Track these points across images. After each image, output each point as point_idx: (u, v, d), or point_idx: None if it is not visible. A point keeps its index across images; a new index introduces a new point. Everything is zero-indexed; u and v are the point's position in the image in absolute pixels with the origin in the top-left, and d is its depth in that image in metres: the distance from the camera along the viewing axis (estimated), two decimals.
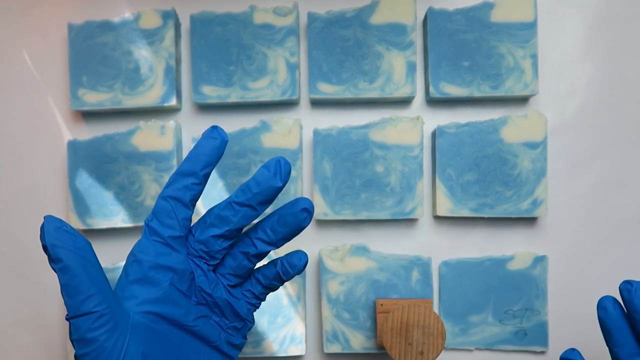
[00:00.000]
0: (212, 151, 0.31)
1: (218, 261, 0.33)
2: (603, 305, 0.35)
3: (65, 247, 0.28)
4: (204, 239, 0.32)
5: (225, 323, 0.33)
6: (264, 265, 0.35)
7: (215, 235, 0.32)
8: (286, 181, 0.31)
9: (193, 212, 0.32)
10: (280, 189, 0.31)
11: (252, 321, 0.35)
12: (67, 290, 0.27)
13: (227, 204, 0.32)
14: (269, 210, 0.44)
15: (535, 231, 0.49)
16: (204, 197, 0.47)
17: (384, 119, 0.47)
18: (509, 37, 0.47)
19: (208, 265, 0.32)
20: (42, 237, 0.28)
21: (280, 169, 0.31)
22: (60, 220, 0.28)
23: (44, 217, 0.28)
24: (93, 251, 0.29)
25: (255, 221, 0.33)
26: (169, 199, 0.31)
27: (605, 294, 0.35)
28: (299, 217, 0.32)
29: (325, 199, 0.47)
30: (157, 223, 0.31)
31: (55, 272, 0.28)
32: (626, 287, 0.34)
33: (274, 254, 0.47)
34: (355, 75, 0.47)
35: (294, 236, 0.33)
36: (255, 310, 0.35)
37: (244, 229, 0.33)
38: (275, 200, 0.47)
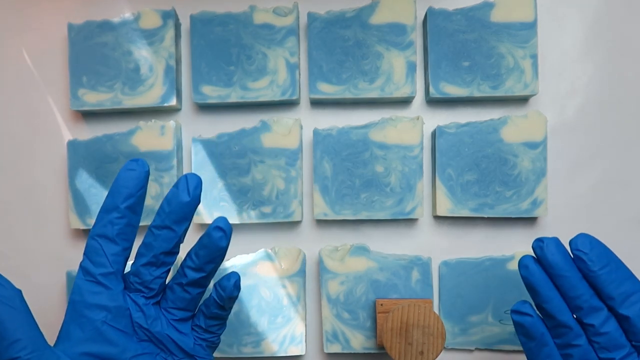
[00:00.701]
0: (131, 183, 0.31)
1: (155, 292, 0.33)
2: (524, 264, 0.34)
3: None
4: (134, 270, 0.32)
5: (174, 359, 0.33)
6: (206, 296, 0.35)
7: (144, 264, 0.32)
8: (195, 195, 0.31)
9: (128, 247, 0.32)
10: (190, 204, 0.31)
11: (206, 356, 0.34)
12: None
13: (149, 231, 0.32)
14: None
15: (535, 231, 0.49)
16: (204, 198, 0.47)
17: (384, 119, 0.47)
18: (509, 37, 0.47)
19: (147, 298, 0.32)
20: None
21: (187, 184, 0.31)
22: None
23: None
24: (22, 298, 0.29)
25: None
26: (96, 237, 0.31)
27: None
28: (214, 237, 0.32)
29: (325, 199, 0.47)
30: (88, 262, 0.31)
31: None
32: (538, 244, 0.34)
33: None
34: (355, 75, 0.47)
35: (218, 259, 0.33)
36: (211, 345, 0.35)
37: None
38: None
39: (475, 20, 0.47)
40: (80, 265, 0.31)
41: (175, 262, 0.35)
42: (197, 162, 0.47)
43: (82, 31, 0.48)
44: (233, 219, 0.47)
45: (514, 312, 0.35)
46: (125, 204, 0.31)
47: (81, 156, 0.48)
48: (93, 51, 0.48)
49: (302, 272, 0.47)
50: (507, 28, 0.47)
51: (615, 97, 0.49)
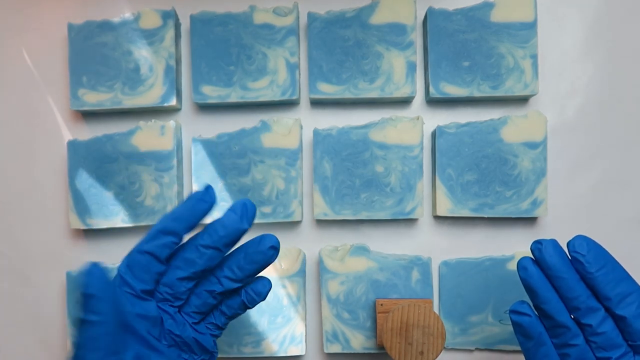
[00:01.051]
0: (199, 214, 0.32)
1: (183, 302, 0.33)
2: (523, 266, 0.35)
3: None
4: (169, 281, 0.33)
5: (194, 359, 0.34)
6: (225, 296, 0.35)
7: (182, 278, 0.32)
8: (252, 223, 0.32)
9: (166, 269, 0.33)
10: (245, 231, 0.32)
11: (217, 351, 0.36)
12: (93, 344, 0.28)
13: (193, 246, 0.32)
14: None
15: (535, 231, 0.49)
16: None
17: (384, 119, 0.47)
18: (509, 37, 0.47)
19: (173, 307, 0.33)
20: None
21: (247, 212, 0.32)
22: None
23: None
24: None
25: None
26: (145, 253, 0.31)
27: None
28: (267, 254, 0.33)
29: (325, 199, 0.47)
30: (131, 275, 0.32)
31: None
32: (536, 246, 0.34)
33: None
34: (355, 75, 0.47)
35: (260, 272, 0.34)
36: (217, 339, 0.37)
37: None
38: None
39: (475, 20, 0.47)
40: (121, 275, 0.32)
41: None
42: (197, 162, 0.47)
43: (82, 31, 0.48)
44: None
45: (512, 312, 0.35)
46: (185, 232, 0.32)
47: (81, 156, 0.48)
48: (93, 51, 0.48)
49: (302, 272, 0.47)
50: (507, 28, 0.47)
51: (615, 97, 0.49)
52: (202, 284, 0.34)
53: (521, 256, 0.47)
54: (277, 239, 0.33)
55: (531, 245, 0.35)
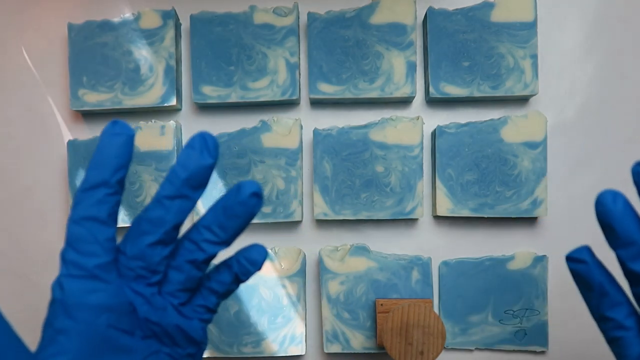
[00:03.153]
0: (120, 151, 0.25)
1: (161, 275, 0.27)
2: (600, 201, 0.29)
3: None
4: (137, 252, 0.26)
5: (179, 353, 0.28)
6: (212, 270, 0.29)
7: (152, 244, 0.26)
8: (216, 156, 0.26)
9: (116, 229, 0.26)
10: (211, 167, 0.26)
11: (207, 342, 0.30)
12: None
13: (155, 202, 0.26)
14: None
15: (535, 231, 0.49)
16: (204, 198, 0.47)
17: (384, 119, 0.47)
18: (509, 37, 0.47)
19: (151, 286, 0.27)
20: None
21: (207, 144, 0.26)
22: None
23: None
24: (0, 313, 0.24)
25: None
26: (82, 220, 0.25)
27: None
28: (249, 204, 0.27)
29: (325, 199, 0.47)
30: (75, 253, 0.25)
31: None
32: (638, 169, 0.28)
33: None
34: (355, 75, 0.47)
35: (245, 228, 0.28)
36: (207, 326, 0.30)
37: (182, 233, 0.28)
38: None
39: (475, 20, 0.47)
40: (64, 258, 0.25)
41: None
42: None
43: (82, 31, 0.48)
44: None
45: (568, 259, 0.30)
46: (116, 177, 0.25)
47: (81, 156, 0.48)
48: (93, 51, 0.48)
49: (302, 272, 0.47)
50: (507, 28, 0.47)
51: (615, 97, 0.49)
52: (179, 254, 0.27)
53: (522, 257, 0.47)
54: (258, 184, 0.27)
55: (633, 167, 0.29)
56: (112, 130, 0.25)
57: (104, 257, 0.25)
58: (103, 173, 0.25)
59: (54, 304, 0.25)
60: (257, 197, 0.27)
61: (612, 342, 0.29)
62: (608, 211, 0.28)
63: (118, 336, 0.25)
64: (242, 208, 0.27)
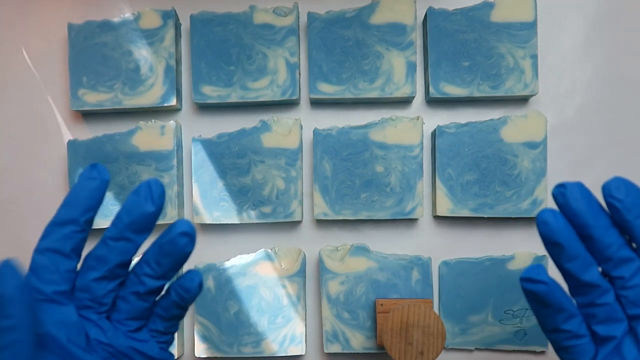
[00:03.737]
0: (92, 194, 0.28)
1: (108, 306, 0.29)
2: (543, 221, 0.29)
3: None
4: (84, 285, 0.28)
5: None
6: (161, 296, 0.31)
7: (96, 279, 0.28)
8: (160, 204, 0.28)
9: (78, 262, 0.29)
10: (154, 214, 0.28)
11: (170, 357, 0.32)
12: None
13: (101, 242, 0.29)
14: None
15: (535, 231, 0.49)
16: (204, 198, 0.47)
17: (384, 119, 0.47)
18: (509, 37, 0.47)
19: (98, 314, 0.29)
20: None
21: (151, 192, 0.28)
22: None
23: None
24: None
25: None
26: (46, 251, 0.28)
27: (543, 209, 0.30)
28: (179, 243, 0.28)
29: (325, 199, 0.47)
30: (37, 280, 0.27)
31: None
32: (559, 190, 0.29)
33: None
34: (355, 75, 0.47)
35: (182, 264, 0.29)
36: (169, 346, 0.32)
37: (132, 265, 0.30)
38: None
39: (475, 20, 0.47)
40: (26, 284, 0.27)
41: None
42: (197, 162, 0.47)
43: (82, 31, 0.48)
44: (233, 219, 0.47)
45: (524, 280, 0.30)
46: (84, 217, 0.28)
47: (81, 156, 0.48)
48: (93, 51, 0.48)
49: (302, 272, 0.47)
50: (507, 28, 0.47)
51: (615, 97, 0.49)
52: (126, 285, 0.30)
53: (522, 257, 0.47)
54: (189, 223, 0.28)
55: (553, 190, 0.30)
56: (89, 174, 0.28)
57: (62, 285, 0.28)
58: (73, 212, 0.28)
59: (22, 325, 0.26)
60: (187, 235, 0.28)
61: (565, 350, 0.30)
62: (553, 229, 0.29)
63: (79, 353, 0.27)
64: (172, 247, 0.28)
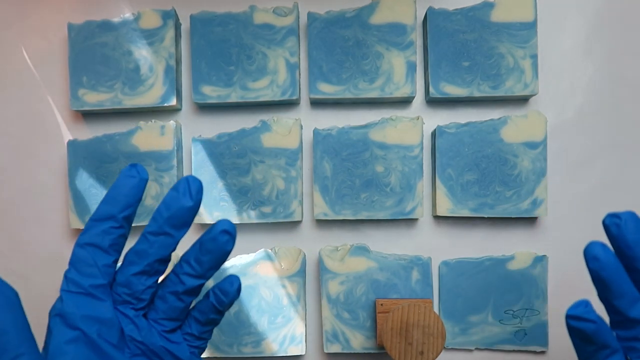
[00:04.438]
0: (131, 191, 0.29)
1: (146, 303, 0.30)
2: (594, 256, 0.29)
3: None
4: (124, 280, 0.29)
5: None
6: (199, 300, 0.32)
7: (136, 273, 0.29)
8: (198, 199, 0.29)
9: (118, 258, 0.30)
10: (193, 209, 0.29)
11: None
12: None
13: (142, 236, 0.29)
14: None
15: (535, 231, 0.49)
16: (204, 198, 0.47)
17: (384, 119, 0.47)
18: (509, 37, 0.47)
19: (136, 310, 0.30)
20: None
21: (189, 187, 0.29)
22: None
23: None
24: (19, 302, 0.27)
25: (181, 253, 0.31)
26: (86, 246, 0.28)
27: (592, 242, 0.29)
28: (220, 240, 0.29)
29: (325, 199, 0.47)
30: (75, 273, 0.28)
31: None
32: (613, 221, 0.29)
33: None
34: (355, 75, 0.47)
35: (222, 263, 0.30)
36: (202, 353, 0.33)
37: (173, 265, 0.31)
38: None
39: (475, 20, 0.47)
40: (66, 276, 0.29)
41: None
42: (197, 162, 0.47)
43: (82, 31, 0.48)
44: (233, 219, 0.47)
45: (571, 317, 0.30)
46: (123, 213, 0.29)
47: (81, 156, 0.48)
48: (93, 51, 0.48)
49: (302, 272, 0.47)
50: (507, 28, 0.47)
51: (615, 97, 0.49)
52: (165, 285, 0.30)
53: (522, 257, 0.47)
54: (230, 223, 0.29)
55: (606, 220, 0.30)
56: (129, 172, 0.29)
57: (100, 279, 0.28)
58: (112, 208, 0.29)
59: (53, 313, 0.28)
60: (228, 234, 0.29)
61: None
62: (604, 266, 0.29)
63: (108, 348, 0.28)
64: (213, 244, 0.29)
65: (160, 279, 0.31)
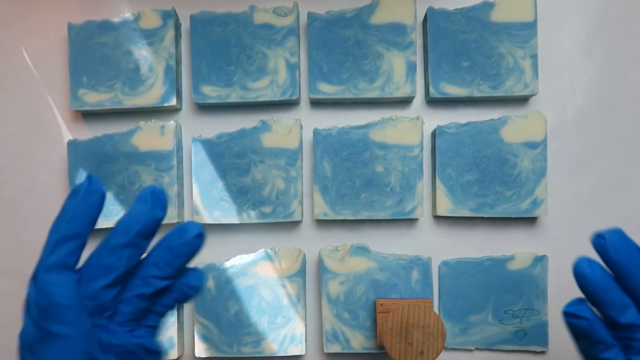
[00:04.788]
0: (93, 208, 0.29)
1: (112, 311, 0.30)
2: (580, 274, 0.31)
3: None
4: (90, 293, 0.29)
5: None
6: (158, 294, 0.32)
7: (104, 286, 0.29)
8: (165, 210, 0.29)
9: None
10: (162, 219, 0.29)
11: (162, 349, 0.33)
12: None
13: (107, 249, 0.29)
14: None
15: (535, 231, 0.49)
16: (204, 198, 0.47)
17: (384, 119, 0.47)
18: (509, 37, 0.47)
19: (105, 318, 0.30)
20: None
21: (158, 198, 0.29)
22: None
23: None
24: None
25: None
26: (57, 268, 0.28)
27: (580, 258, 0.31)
28: (194, 244, 0.29)
29: (325, 199, 0.47)
30: (50, 296, 0.28)
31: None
32: (598, 242, 0.31)
33: None
34: (355, 75, 0.47)
35: (188, 263, 0.31)
36: (157, 332, 0.33)
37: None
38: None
39: (475, 20, 0.47)
40: (30, 304, 0.28)
41: None
42: (197, 162, 0.47)
43: (82, 31, 0.48)
44: (233, 219, 0.47)
45: (567, 314, 0.32)
46: (88, 231, 0.29)
47: (81, 156, 0.48)
48: (93, 51, 0.48)
49: (302, 272, 0.47)
50: (507, 28, 0.47)
51: (615, 97, 0.49)
52: (128, 289, 0.30)
53: (522, 257, 0.47)
54: (200, 225, 0.29)
55: (593, 240, 0.32)
56: (89, 188, 0.29)
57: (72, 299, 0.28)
58: (77, 227, 0.29)
59: (25, 342, 0.29)
60: (201, 237, 0.29)
61: None
62: (590, 282, 0.31)
63: (99, 356, 0.28)
64: (187, 248, 0.29)
65: None
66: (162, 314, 0.32)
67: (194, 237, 0.29)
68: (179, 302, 0.32)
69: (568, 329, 0.33)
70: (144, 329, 0.31)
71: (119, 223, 0.29)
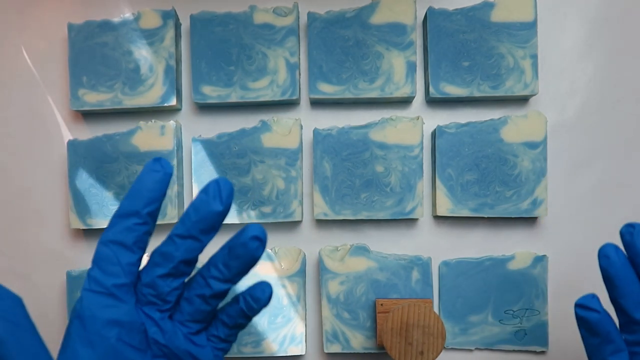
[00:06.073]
0: (155, 186, 0.28)
1: (171, 305, 0.29)
2: (605, 254, 0.32)
3: None
4: (149, 281, 0.29)
5: None
6: (227, 303, 0.32)
7: (161, 275, 0.28)
8: (228, 203, 0.28)
9: (142, 256, 0.29)
10: (222, 214, 0.28)
11: None
12: None
13: (168, 238, 0.29)
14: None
15: (535, 231, 0.49)
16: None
17: (384, 119, 0.47)
18: (509, 37, 0.47)
19: (161, 312, 0.29)
20: None
21: (220, 191, 0.27)
22: None
23: None
24: (24, 308, 0.25)
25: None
26: (109, 243, 0.28)
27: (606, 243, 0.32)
28: (250, 247, 0.28)
29: (325, 199, 0.47)
30: (98, 271, 0.28)
31: None
32: (628, 230, 0.32)
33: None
34: (355, 75, 0.47)
35: (250, 268, 0.30)
36: (226, 354, 0.32)
37: (199, 267, 0.30)
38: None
39: (475, 20, 0.47)
40: (88, 274, 0.28)
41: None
42: (197, 162, 0.47)
43: (82, 31, 0.48)
44: (233, 219, 0.47)
45: (578, 306, 0.32)
46: (147, 209, 0.28)
47: (81, 156, 0.48)
48: (93, 51, 0.48)
49: (302, 272, 0.47)
50: (507, 28, 0.47)
51: (615, 97, 0.49)
52: (191, 288, 0.30)
53: (522, 257, 0.47)
54: (262, 228, 0.28)
55: (622, 229, 0.32)
56: (152, 167, 0.28)
57: (123, 278, 0.28)
58: (136, 204, 0.28)
59: (73, 314, 0.28)
60: (258, 240, 0.28)
61: None
62: (613, 263, 0.32)
63: (127, 351, 0.27)
64: (243, 249, 0.28)
65: (186, 279, 0.31)
66: (229, 326, 0.31)
67: (250, 238, 0.28)
68: (244, 315, 0.31)
69: (578, 324, 0.33)
70: (209, 337, 0.31)
71: (184, 213, 0.28)
